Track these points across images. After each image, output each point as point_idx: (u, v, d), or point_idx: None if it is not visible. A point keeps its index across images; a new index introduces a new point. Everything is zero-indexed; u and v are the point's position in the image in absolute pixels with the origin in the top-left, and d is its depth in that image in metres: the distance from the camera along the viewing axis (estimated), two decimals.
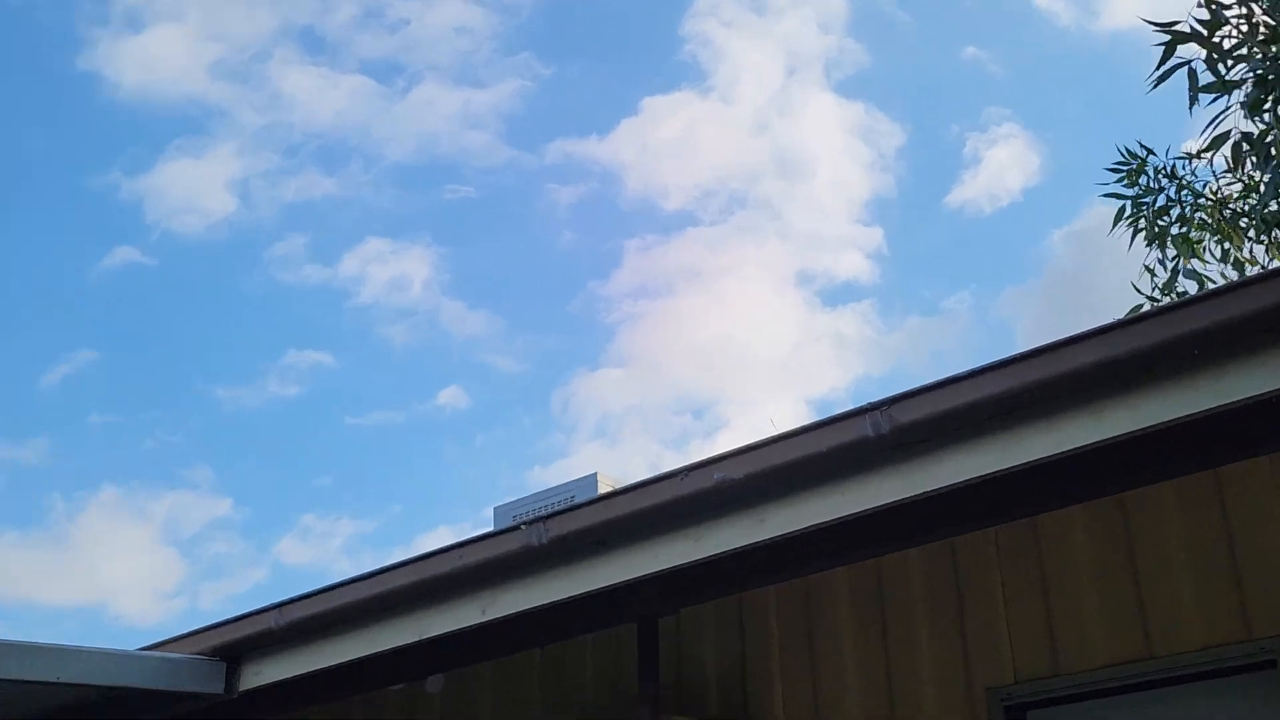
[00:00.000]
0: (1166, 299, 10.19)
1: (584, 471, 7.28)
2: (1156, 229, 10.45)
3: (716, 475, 4.14)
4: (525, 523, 4.55)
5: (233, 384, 22.07)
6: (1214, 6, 8.93)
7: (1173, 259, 10.53)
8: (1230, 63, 8.83)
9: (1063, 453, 3.69)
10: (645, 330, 22.24)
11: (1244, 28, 8.85)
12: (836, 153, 21.81)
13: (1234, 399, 3.36)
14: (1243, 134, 9.27)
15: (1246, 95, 8.86)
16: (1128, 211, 10.51)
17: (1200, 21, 8.93)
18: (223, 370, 22.33)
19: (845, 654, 5.21)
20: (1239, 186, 10.48)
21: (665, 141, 21.91)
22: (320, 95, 21.44)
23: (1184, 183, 10.49)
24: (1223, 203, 10.40)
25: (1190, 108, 8.91)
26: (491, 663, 6.11)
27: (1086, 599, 4.69)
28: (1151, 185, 10.50)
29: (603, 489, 6.95)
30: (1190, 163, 10.52)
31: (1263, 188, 9.71)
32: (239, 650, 5.32)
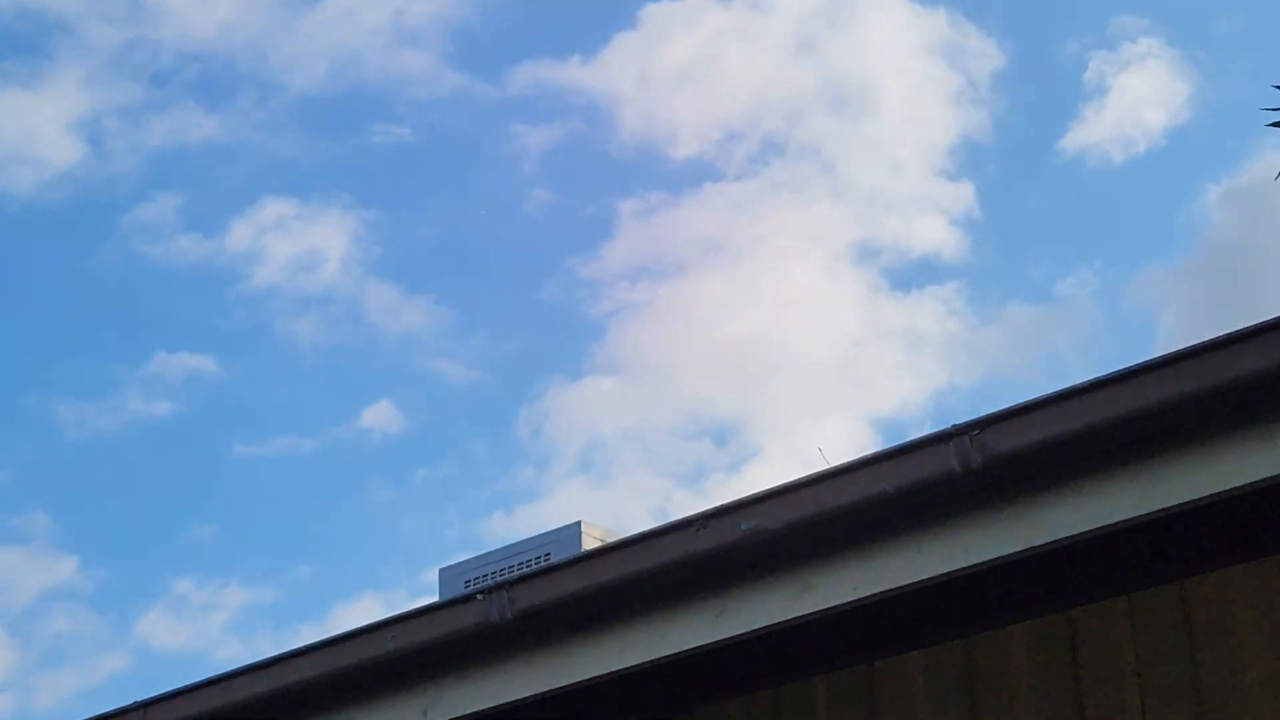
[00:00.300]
0: None
1: (563, 520, 7.30)
2: None
3: (745, 525, 4.16)
4: (483, 590, 4.57)
5: (79, 399, 22.06)
6: None
7: None
8: None
9: (1219, 493, 3.73)
10: (646, 325, 22.25)
11: None
12: (910, 81, 21.82)
13: None
14: None
15: None
16: None
17: None
18: (65, 381, 22.31)
19: None
20: None
21: (674, 66, 21.93)
22: (199, 3, 21.45)
23: None
24: None
25: None
26: None
27: (1252, 686, 4.68)
28: None
29: (589, 544, 6.96)
30: None
31: None
32: None
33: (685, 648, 4.31)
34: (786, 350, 21.83)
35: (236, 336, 21.66)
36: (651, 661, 4.37)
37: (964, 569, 3.99)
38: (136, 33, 20.64)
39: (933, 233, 21.13)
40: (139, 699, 5.23)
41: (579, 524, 7.26)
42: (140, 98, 20.89)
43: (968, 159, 21.38)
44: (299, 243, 20.97)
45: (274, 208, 21.08)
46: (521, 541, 7.36)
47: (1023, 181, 22.53)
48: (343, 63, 21.01)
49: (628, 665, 4.40)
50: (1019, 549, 3.93)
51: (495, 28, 21.43)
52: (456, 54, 21.17)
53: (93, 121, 20.78)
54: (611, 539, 6.26)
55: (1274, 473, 3.69)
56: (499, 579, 4.60)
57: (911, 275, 21.90)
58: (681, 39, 21.43)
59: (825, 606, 4.14)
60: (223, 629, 22.04)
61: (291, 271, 21.01)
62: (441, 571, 7.47)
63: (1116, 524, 3.84)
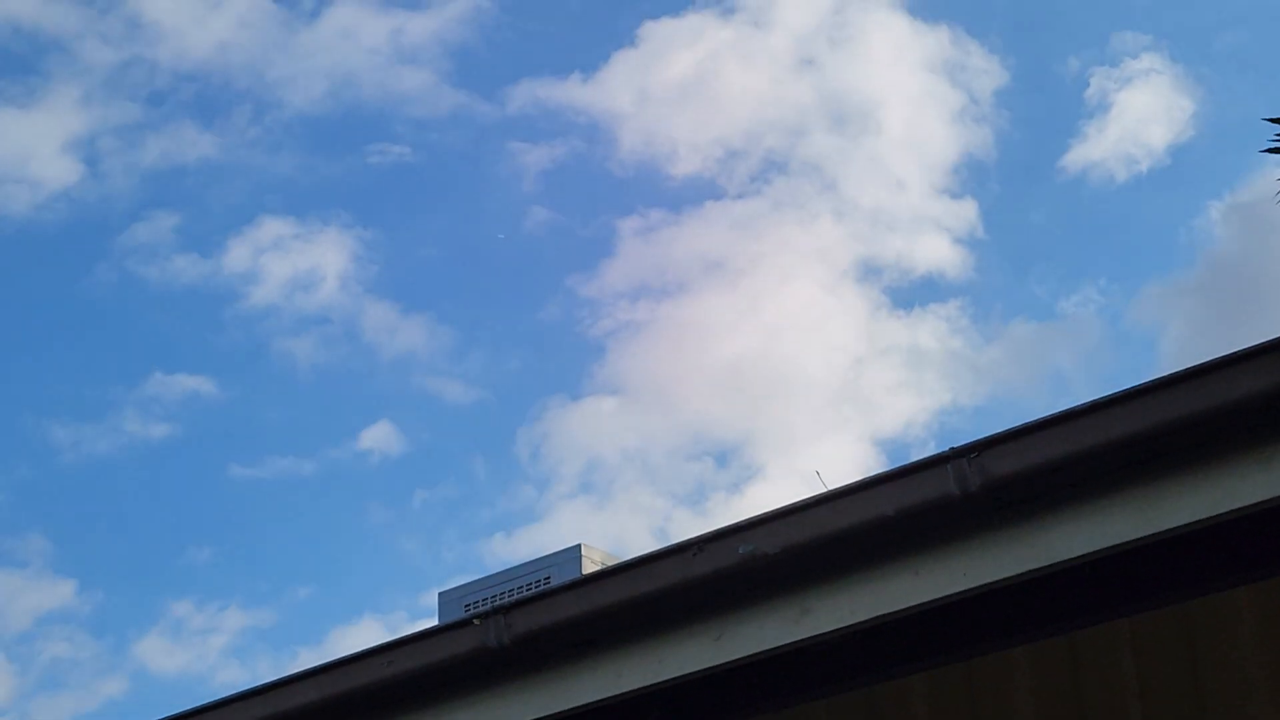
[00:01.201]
0: None
1: (563, 543, 7.32)
2: None
3: (743, 549, 4.16)
4: (481, 614, 4.58)
5: (75, 421, 22.08)
6: None
7: None
8: None
9: (1220, 515, 3.74)
10: (647, 345, 22.28)
11: None
12: (912, 98, 21.86)
13: None
14: None
15: None
16: None
17: None
18: (61, 403, 22.34)
19: None
20: None
21: (674, 83, 21.97)
22: (196, 22, 21.52)
23: None
24: None
25: None
26: None
27: (1256, 708, 4.68)
28: None
29: (588, 568, 6.99)
30: None
31: None
32: None
33: (683, 673, 4.32)
34: (788, 369, 21.86)
35: (234, 357, 21.70)
36: (649, 687, 4.37)
37: (964, 592, 4.00)
38: (133, 52, 20.71)
39: (935, 250, 21.16)
40: None
41: (579, 547, 7.28)
42: (137, 117, 20.94)
43: (970, 176, 21.42)
44: (297, 262, 21.01)
45: (271, 227, 21.12)
46: (521, 565, 7.39)
47: (1026, 199, 22.58)
48: (340, 81, 21.06)
49: (625, 690, 4.40)
50: (1019, 572, 3.94)
51: (494, 46, 21.49)
52: (455, 72, 21.24)
53: (89, 141, 20.84)
54: (612, 562, 6.26)
55: (1275, 494, 3.68)
56: (496, 603, 4.68)
57: (914, 293, 21.93)
58: (681, 56, 21.48)
59: (824, 630, 4.14)
60: (221, 652, 22.04)
61: (289, 291, 21.04)
62: (441, 595, 7.50)
63: (1117, 546, 3.85)
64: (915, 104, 21.41)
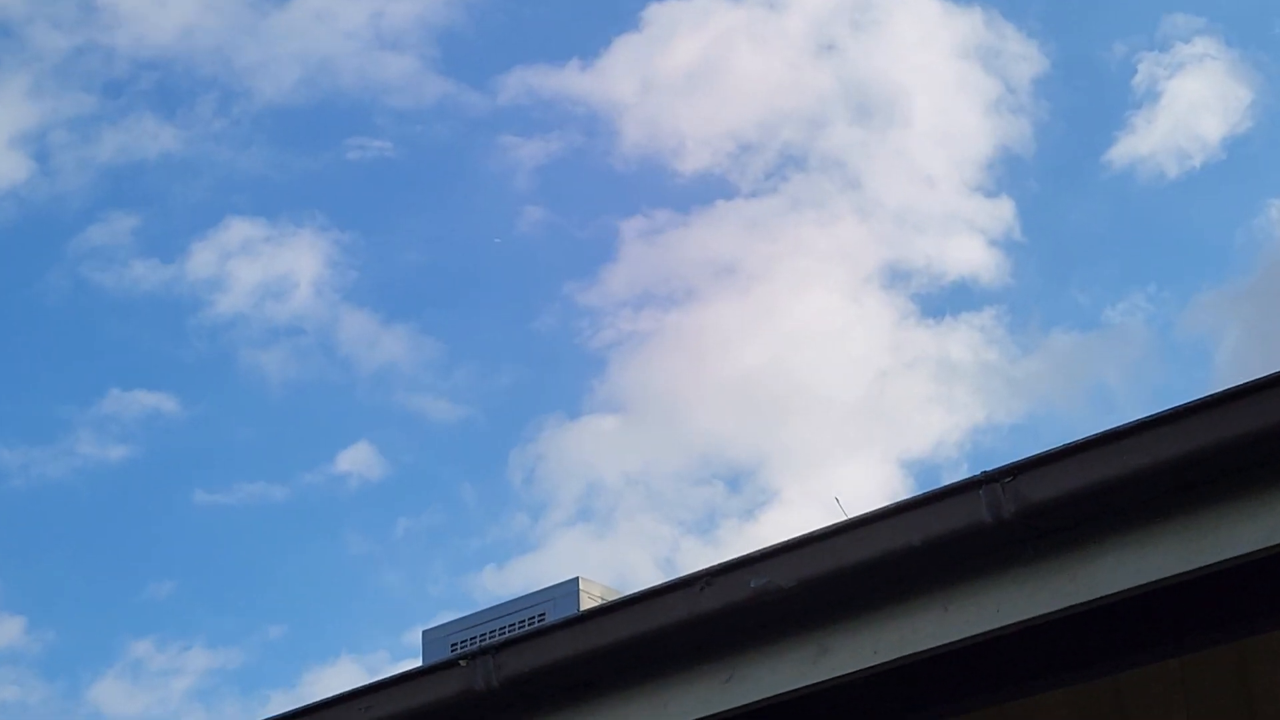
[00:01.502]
0: None
1: (559, 575, 7.32)
2: None
3: (755, 583, 4.10)
4: (468, 655, 4.52)
5: (25, 443, 21.89)
6: None
7: None
8: None
9: (1277, 544, 3.69)
10: (652, 358, 22.17)
11: None
12: (943, 87, 21.72)
13: None
14: None
15: None
16: None
17: None
18: (9, 422, 22.19)
19: None
20: None
21: (680, 70, 21.86)
22: (156, 4, 21.42)
23: None
24: None
25: None
26: None
27: None
28: None
29: (587, 603, 7.02)
30: None
31: None
32: None
33: (690, 718, 4.26)
34: (807, 384, 21.64)
35: (198, 372, 21.47)
36: None
37: (997, 630, 3.96)
38: (88, 37, 20.52)
39: (969, 254, 20.90)
40: None
41: (576, 580, 7.32)
42: (92, 109, 20.75)
43: (1007, 173, 21.21)
44: (267, 267, 20.76)
45: (239, 229, 20.86)
46: (513, 600, 7.46)
47: (1067, 198, 22.33)
48: (315, 69, 20.84)
49: None
50: (1058, 608, 3.90)
51: (484, 30, 21.33)
52: (441, 59, 21.07)
53: (39, 135, 20.62)
54: (613, 597, 6.22)
55: None
56: (484, 642, 4.57)
57: (945, 301, 21.74)
58: (688, 41, 21.29)
59: (844, 672, 4.11)
60: (185, 696, 21.74)
61: (258, 299, 20.77)
62: (425, 633, 7.57)
63: (1166, 580, 3.81)
64: (946, 93, 21.20)
